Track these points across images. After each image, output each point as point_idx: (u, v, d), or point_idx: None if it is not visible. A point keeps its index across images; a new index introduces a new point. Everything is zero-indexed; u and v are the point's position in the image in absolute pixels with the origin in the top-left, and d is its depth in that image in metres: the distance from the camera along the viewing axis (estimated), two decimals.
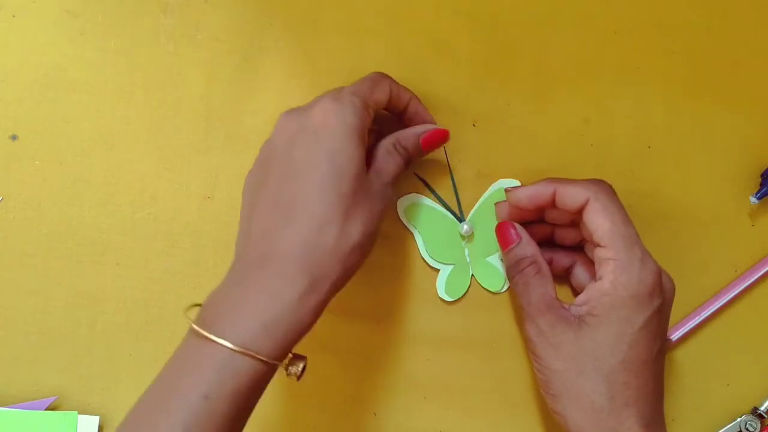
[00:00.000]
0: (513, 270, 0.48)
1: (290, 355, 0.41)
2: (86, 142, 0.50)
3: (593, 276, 0.46)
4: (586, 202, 0.45)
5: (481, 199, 0.51)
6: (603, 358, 0.43)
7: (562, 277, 0.51)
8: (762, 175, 0.52)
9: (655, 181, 0.52)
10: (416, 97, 0.49)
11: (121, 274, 0.50)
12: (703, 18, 0.53)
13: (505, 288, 0.51)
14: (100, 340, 0.49)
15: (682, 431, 0.51)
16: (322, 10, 0.52)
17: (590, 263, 0.48)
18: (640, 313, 0.43)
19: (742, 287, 0.51)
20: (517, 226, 0.49)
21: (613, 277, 0.44)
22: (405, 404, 0.50)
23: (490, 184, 0.51)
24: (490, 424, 0.50)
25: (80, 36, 0.50)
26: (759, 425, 0.51)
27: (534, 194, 0.47)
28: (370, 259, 0.43)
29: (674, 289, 0.46)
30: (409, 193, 0.51)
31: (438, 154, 0.51)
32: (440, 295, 0.51)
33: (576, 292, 0.50)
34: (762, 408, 0.51)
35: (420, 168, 0.51)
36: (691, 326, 0.51)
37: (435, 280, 0.51)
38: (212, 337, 0.38)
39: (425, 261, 0.51)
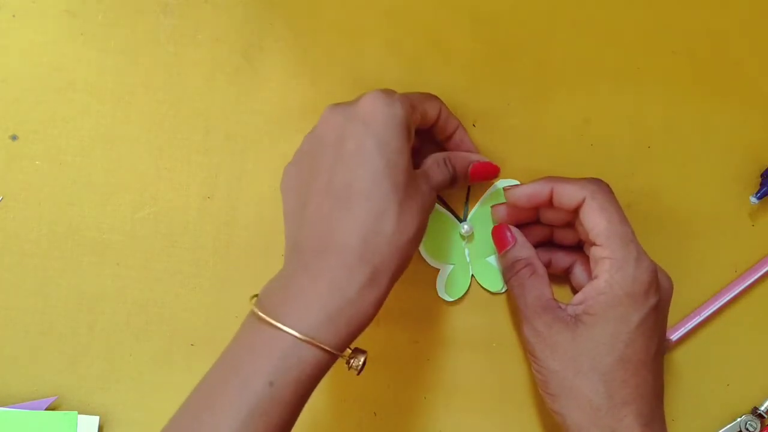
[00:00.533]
0: (509, 272, 0.48)
1: (349, 349, 0.41)
2: (86, 142, 0.50)
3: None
4: (583, 201, 0.45)
5: (482, 200, 0.51)
6: (600, 356, 0.43)
7: (563, 277, 0.51)
8: (762, 175, 0.52)
9: (655, 181, 0.52)
10: (464, 128, 0.49)
11: (121, 274, 0.50)
12: (703, 18, 0.53)
13: (505, 288, 0.51)
14: (100, 340, 0.49)
15: (682, 431, 0.51)
16: (322, 10, 0.52)
17: (590, 263, 0.48)
18: (636, 311, 0.43)
19: (742, 287, 0.51)
20: (513, 228, 0.49)
21: (608, 276, 0.44)
22: (405, 404, 0.50)
23: (490, 184, 0.51)
24: (490, 424, 0.50)
25: (80, 36, 0.50)
26: (759, 425, 0.51)
27: (532, 192, 0.47)
28: None
29: (672, 287, 0.46)
30: None
31: None
32: (440, 295, 0.51)
33: (576, 292, 0.50)
34: (762, 408, 0.51)
35: None
36: (691, 326, 0.51)
37: (435, 280, 0.51)
38: (279, 324, 0.38)
39: (425, 261, 0.51)
